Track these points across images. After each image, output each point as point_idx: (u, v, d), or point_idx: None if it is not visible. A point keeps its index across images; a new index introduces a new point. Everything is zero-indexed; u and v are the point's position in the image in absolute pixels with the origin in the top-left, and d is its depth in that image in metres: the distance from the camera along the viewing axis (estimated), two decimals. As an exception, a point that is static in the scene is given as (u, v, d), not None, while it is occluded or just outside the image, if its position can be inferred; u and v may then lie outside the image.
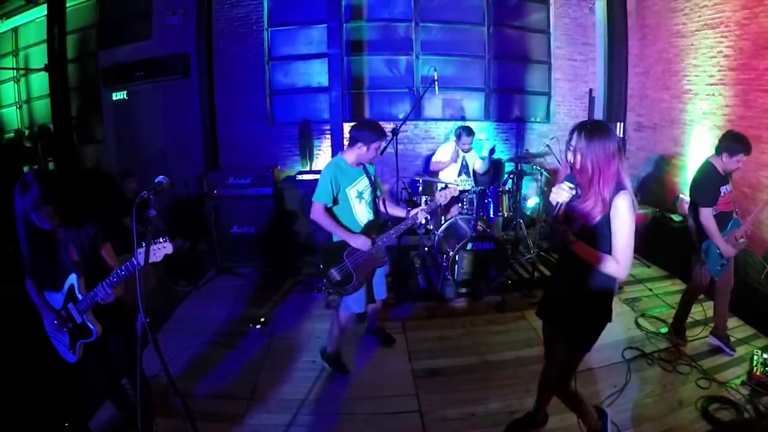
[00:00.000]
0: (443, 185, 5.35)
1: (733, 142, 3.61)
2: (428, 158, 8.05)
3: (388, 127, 7.73)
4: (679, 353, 3.98)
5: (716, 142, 3.76)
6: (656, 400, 3.45)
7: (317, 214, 3.52)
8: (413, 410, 3.42)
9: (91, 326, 2.65)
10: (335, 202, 3.57)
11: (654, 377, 3.72)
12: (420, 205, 5.61)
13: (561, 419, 3.23)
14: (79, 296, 2.60)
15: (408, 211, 3.75)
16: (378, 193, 3.87)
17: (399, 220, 3.72)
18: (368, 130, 3.55)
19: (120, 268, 2.51)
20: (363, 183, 3.68)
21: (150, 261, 2.32)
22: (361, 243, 3.53)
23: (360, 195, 3.64)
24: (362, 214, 3.66)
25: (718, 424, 3.14)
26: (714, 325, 4.14)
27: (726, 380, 3.60)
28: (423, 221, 3.71)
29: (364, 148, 3.53)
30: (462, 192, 5.54)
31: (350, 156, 3.62)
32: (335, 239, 3.61)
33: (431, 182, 5.78)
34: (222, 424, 3.26)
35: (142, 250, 2.31)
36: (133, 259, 2.41)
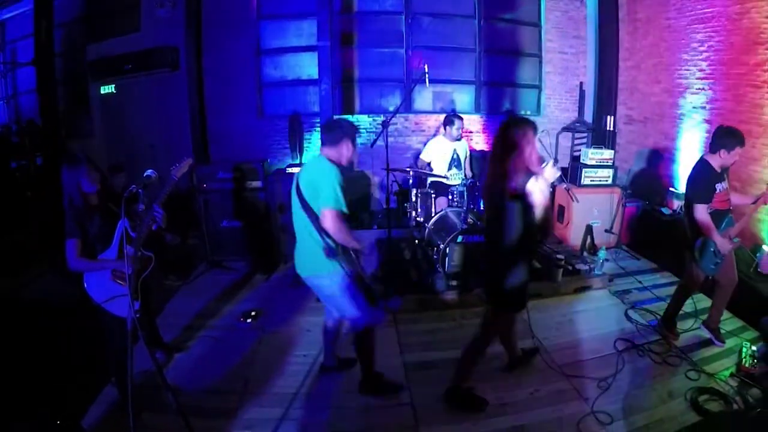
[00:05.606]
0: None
1: (728, 137, 3.60)
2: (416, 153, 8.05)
3: (378, 119, 7.83)
4: (669, 345, 4.01)
5: (707, 138, 3.75)
6: (646, 391, 3.48)
7: (338, 221, 2.95)
8: (405, 403, 3.42)
9: (148, 253, 3.05)
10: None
11: (644, 369, 3.74)
12: (411, 198, 5.61)
13: (552, 410, 3.28)
14: (133, 234, 2.94)
15: None
16: None
17: None
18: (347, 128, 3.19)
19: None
20: None
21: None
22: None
23: None
24: None
25: (707, 414, 3.17)
26: (708, 316, 4.17)
27: (715, 372, 3.63)
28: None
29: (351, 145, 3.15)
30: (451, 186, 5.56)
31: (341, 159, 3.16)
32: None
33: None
34: (214, 418, 3.24)
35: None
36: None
